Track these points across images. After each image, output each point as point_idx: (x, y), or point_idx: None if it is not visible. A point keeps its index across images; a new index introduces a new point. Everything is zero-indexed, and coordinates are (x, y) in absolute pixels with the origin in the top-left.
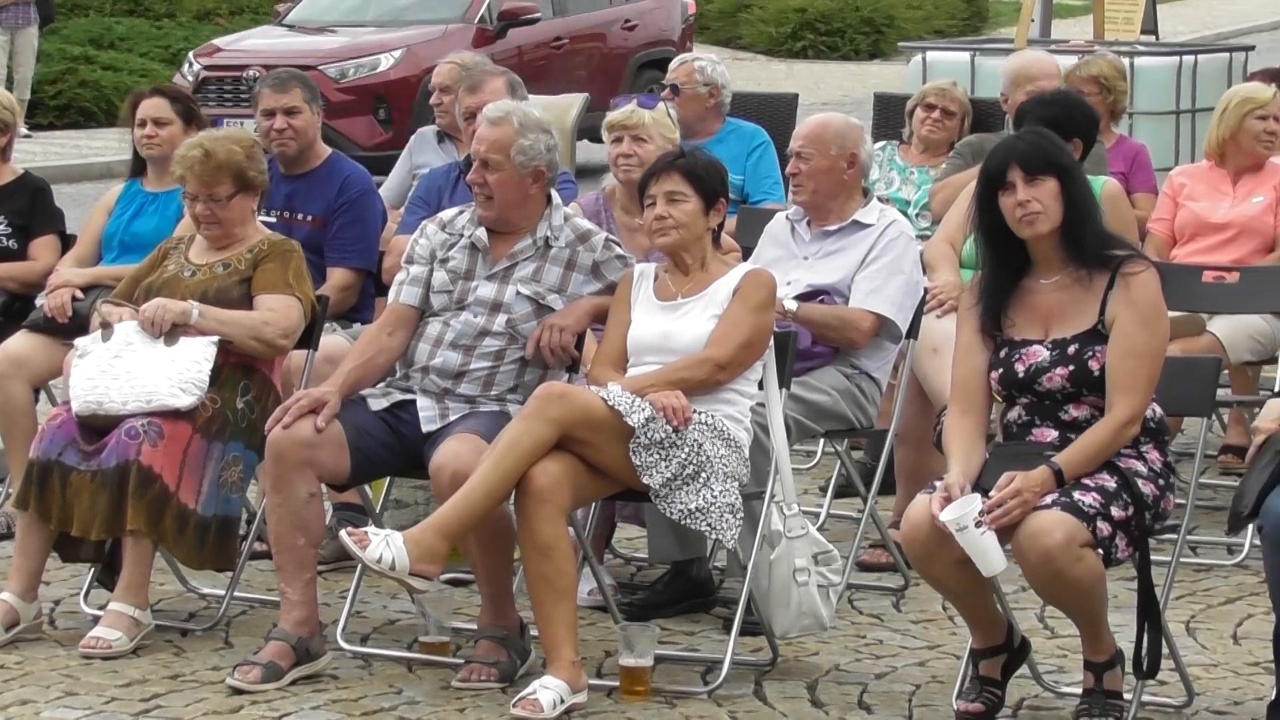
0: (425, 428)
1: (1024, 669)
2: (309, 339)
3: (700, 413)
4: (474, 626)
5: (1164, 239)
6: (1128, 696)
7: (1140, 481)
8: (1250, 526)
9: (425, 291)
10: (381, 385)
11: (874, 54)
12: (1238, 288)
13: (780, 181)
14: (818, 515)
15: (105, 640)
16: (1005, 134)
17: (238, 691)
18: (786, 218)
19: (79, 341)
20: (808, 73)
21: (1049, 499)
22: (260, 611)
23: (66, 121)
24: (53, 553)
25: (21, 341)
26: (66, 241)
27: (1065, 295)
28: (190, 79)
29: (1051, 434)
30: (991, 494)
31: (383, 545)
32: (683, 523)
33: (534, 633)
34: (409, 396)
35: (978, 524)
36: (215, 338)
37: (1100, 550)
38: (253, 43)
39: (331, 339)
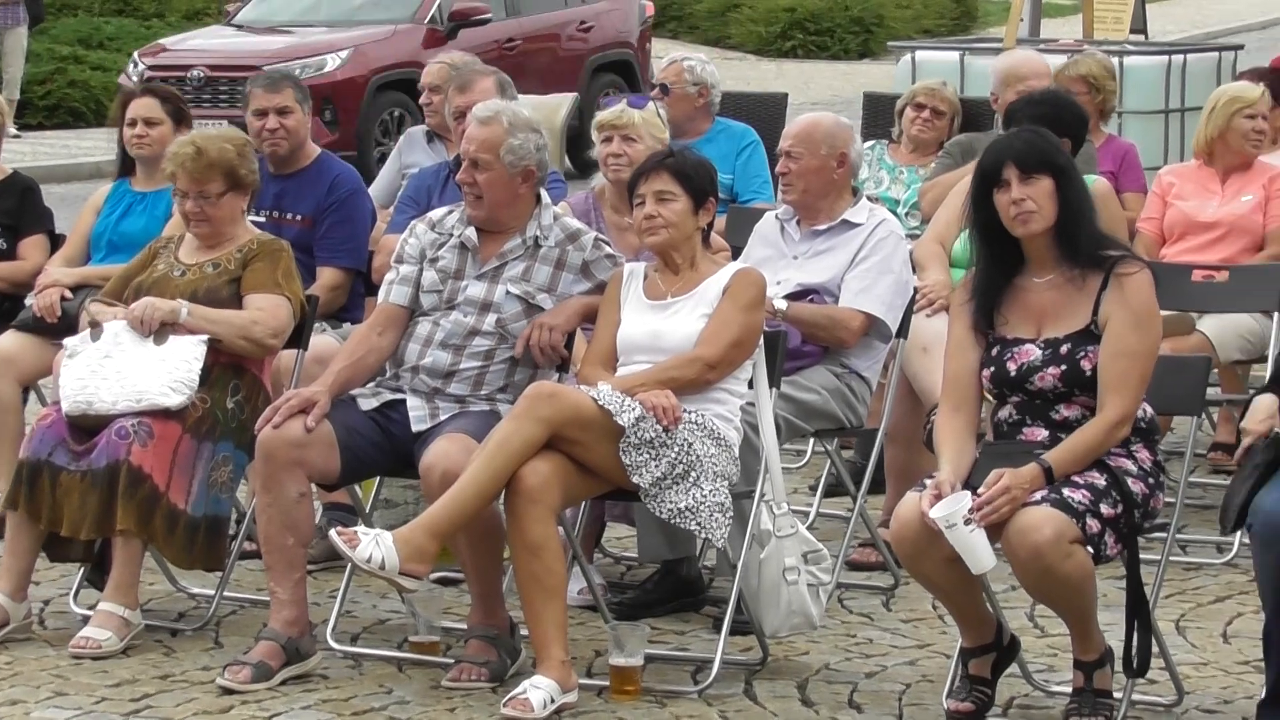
0: (415, 427)
1: (1014, 668)
2: (299, 339)
3: (690, 412)
4: (464, 626)
5: (1153, 238)
6: (1118, 695)
7: (1130, 480)
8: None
9: (415, 291)
10: (371, 385)
11: (863, 53)
12: (1227, 287)
13: (769, 181)
14: (807, 514)
15: (95, 640)
16: (995, 133)
17: (228, 691)
18: (776, 217)
19: (68, 341)
20: (797, 72)
21: (1038, 495)
22: (250, 611)
23: (55, 121)
24: (41, 553)
25: (10, 341)
26: (55, 241)
27: (1058, 294)
28: (135, 79)
29: (1042, 433)
30: (980, 491)
31: (372, 545)
32: (672, 522)
33: (524, 632)
34: (399, 396)
35: (967, 521)
36: (204, 337)
37: (1089, 547)
38: (198, 43)
39: (321, 339)
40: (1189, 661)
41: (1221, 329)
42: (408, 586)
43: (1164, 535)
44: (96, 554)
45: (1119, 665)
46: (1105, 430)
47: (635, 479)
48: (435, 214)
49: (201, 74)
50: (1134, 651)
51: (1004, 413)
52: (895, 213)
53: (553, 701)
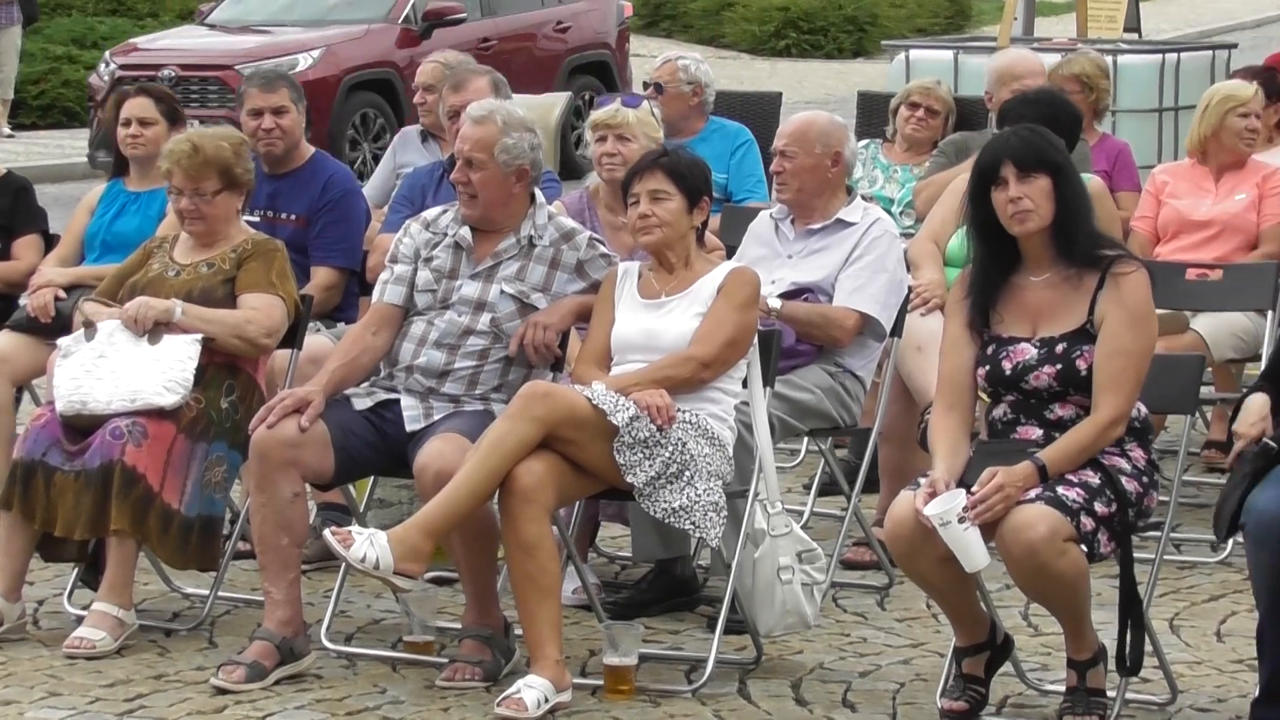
0: (409, 427)
1: (1008, 667)
2: (293, 338)
3: (684, 411)
4: (458, 625)
5: (1147, 237)
6: (1111, 694)
7: (1124, 479)
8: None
9: (409, 290)
10: (366, 385)
11: (857, 52)
12: (1221, 285)
13: (764, 180)
14: (802, 513)
15: (89, 640)
16: (989, 132)
17: (222, 691)
18: (770, 216)
19: (61, 341)
20: (791, 71)
21: (1032, 494)
22: (244, 611)
23: (49, 121)
24: (35, 553)
25: (4, 341)
26: (49, 241)
27: (1054, 294)
28: (105, 79)
29: (1036, 432)
30: (975, 490)
31: (367, 544)
32: (667, 521)
33: (518, 632)
34: (393, 396)
35: (961, 520)
36: (198, 336)
37: (1083, 545)
38: (170, 42)
39: (315, 339)
40: (1183, 660)
41: (1215, 327)
42: (402, 586)
43: (1158, 534)
44: (91, 554)
45: (1113, 664)
46: (1100, 429)
47: (630, 478)
48: (430, 213)
49: (173, 73)
50: (1127, 650)
51: (998, 411)
52: (890, 212)
53: (547, 701)
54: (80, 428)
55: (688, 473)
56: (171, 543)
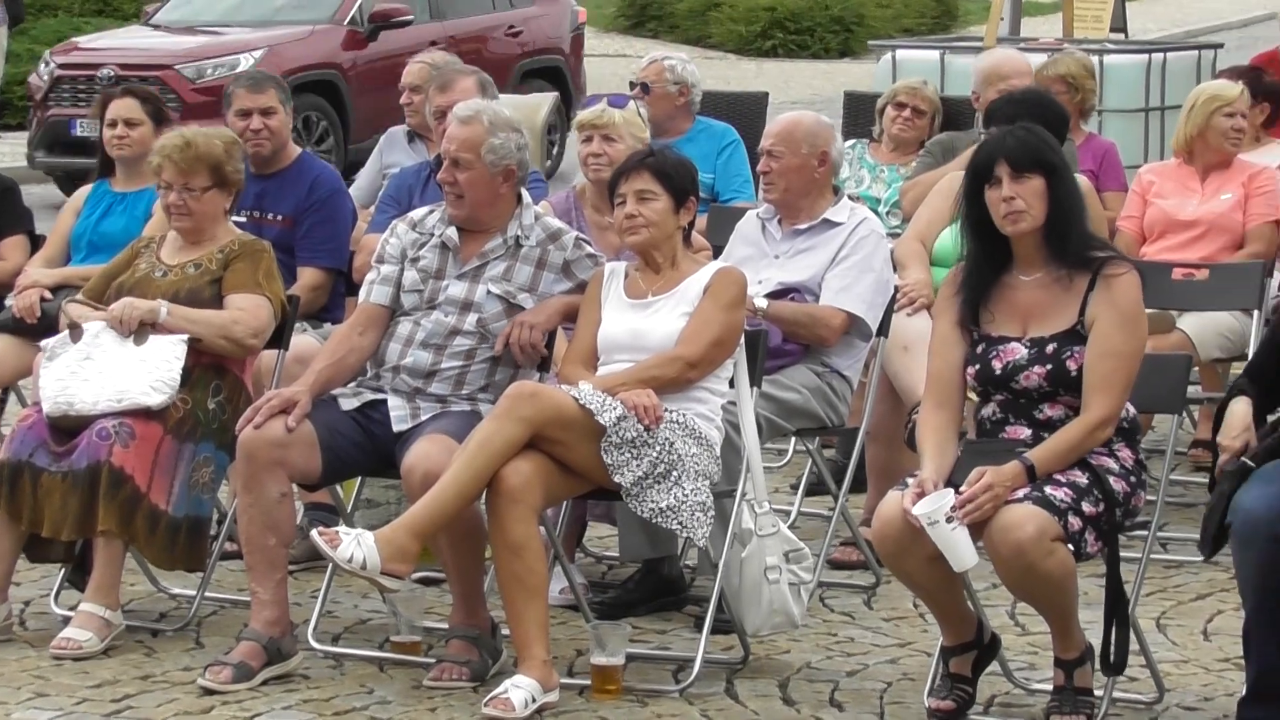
0: (396, 427)
1: (995, 666)
2: (280, 339)
3: (671, 411)
4: (445, 626)
5: (1133, 236)
6: (1099, 693)
7: (1111, 478)
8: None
9: (396, 291)
10: (352, 385)
11: (844, 52)
12: (1207, 285)
13: (750, 180)
14: (789, 513)
15: (76, 641)
16: (976, 132)
17: (209, 692)
18: (757, 216)
19: (46, 342)
20: (778, 71)
21: (1020, 493)
22: (231, 612)
23: None
24: (22, 554)
25: None
26: (35, 242)
27: (1045, 294)
28: (45, 78)
29: (1025, 432)
30: (963, 489)
31: (354, 545)
32: (654, 521)
33: (505, 632)
34: (380, 396)
35: (949, 519)
36: (184, 336)
37: (1071, 545)
38: (111, 41)
39: (302, 339)
40: (1170, 659)
41: (1202, 327)
42: (389, 586)
43: (1145, 533)
44: (77, 555)
45: (1098, 663)
46: (1089, 430)
47: (617, 478)
48: (416, 214)
49: (112, 72)
50: (1112, 649)
51: (987, 410)
52: (876, 211)
53: (534, 701)
54: (67, 429)
55: (675, 473)
56: (159, 543)
